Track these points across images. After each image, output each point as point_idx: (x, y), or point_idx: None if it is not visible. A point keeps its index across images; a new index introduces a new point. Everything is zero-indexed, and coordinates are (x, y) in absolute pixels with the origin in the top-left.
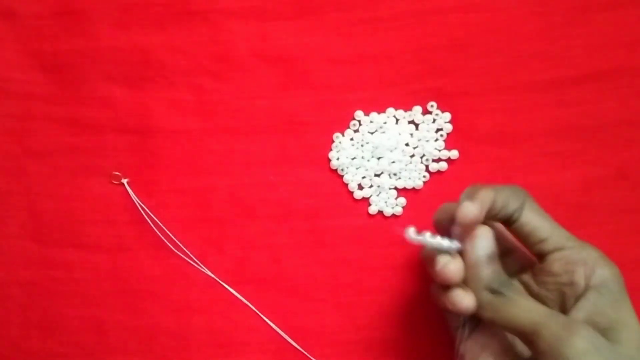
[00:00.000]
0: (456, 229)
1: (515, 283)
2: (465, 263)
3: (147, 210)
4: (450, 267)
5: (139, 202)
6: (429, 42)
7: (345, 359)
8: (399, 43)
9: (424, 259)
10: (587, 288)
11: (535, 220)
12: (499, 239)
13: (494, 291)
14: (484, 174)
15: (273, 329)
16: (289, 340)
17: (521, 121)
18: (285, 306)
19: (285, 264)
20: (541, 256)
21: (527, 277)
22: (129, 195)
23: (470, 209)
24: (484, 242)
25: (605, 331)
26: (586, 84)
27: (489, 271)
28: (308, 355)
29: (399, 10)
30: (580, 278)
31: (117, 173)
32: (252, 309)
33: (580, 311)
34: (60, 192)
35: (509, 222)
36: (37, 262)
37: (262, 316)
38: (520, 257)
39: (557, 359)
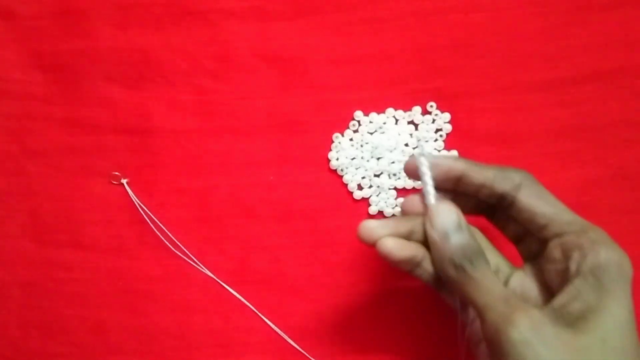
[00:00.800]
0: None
1: (495, 258)
2: (429, 241)
3: (146, 210)
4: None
5: (139, 202)
6: (429, 42)
7: (345, 359)
8: (398, 43)
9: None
10: (576, 274)
11: (533, 206)
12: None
13: (457, 267)
14: None
15: (273, 329)
16: (289, 340)
17: (521, 121)
18: (285, 306)
19: (285, 264)
20: (544, 243)
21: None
22: (129, 195)
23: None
24: (440, 218)
25: (576, 319)
26: (586, 84)
27: (449, 245)
28: (308, 356)
29: (399, 10)
30: (573, 264)
31: (116, 173)
32: (252, 309)
33: (561, 297)
34: (60, 192)
35: (500, 206)
36: (37, 262)
37: (262, 316)
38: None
39: (495, 348)
